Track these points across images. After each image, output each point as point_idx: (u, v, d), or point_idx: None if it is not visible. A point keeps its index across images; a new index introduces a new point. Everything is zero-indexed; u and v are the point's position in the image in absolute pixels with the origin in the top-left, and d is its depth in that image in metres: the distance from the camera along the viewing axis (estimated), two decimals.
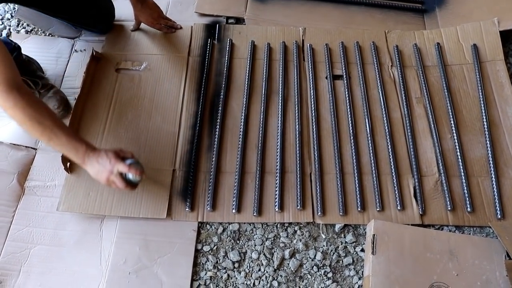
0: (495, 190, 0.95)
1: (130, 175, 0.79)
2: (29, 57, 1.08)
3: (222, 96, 1.07)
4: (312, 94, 1.09)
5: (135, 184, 0.81)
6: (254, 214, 0.92)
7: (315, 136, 1.03)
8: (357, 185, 0.96)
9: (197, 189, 0.96)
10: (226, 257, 0.90)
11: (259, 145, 1.01)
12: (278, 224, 0.93)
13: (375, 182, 0.96)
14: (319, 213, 0.92)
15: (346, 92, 1.10)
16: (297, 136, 1.02)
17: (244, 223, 0.93)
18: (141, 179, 0.80)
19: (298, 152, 1.00)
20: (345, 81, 1.11)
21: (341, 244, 0.91)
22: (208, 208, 0.93)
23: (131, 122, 1.03)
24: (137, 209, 0.91)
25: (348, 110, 1.08)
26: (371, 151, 1.01)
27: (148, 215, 0.91)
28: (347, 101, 1.09)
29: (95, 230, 0.92)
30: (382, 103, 1.08)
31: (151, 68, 1.10)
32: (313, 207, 0.94)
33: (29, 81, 1.01)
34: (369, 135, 1.04)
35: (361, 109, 1.09)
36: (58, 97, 1.05)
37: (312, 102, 1.08)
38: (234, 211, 0.93)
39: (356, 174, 0.98)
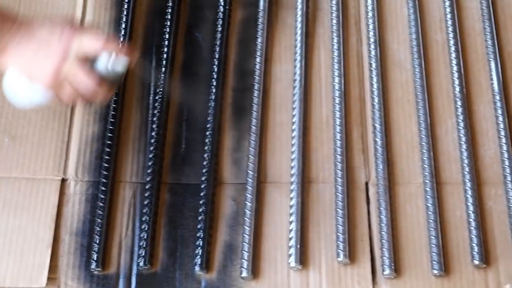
0: None
1: (103, 61, 0.60)
2: None
3: (171, 11, 0.79)
4: (371, 4, 0.81)
5: (115, 81, 0.63)
6: (243, 274, 0.68)
7: (377, 100, 0.75)
8: (471, 208, 0.69)
9: (116, 223, 0.70)
10: None
11: (253, 124, 0.75)
12: None
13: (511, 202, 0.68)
14: (387, 272, 0.67)
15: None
16: (338, 102, 0.76)
17: None
18: (125, 72, 0.64)
19: (338, 137, 0.74)
20: None
21: None
22: (141, 264, 0.67)
23: None
24: None
25: (451, 42, 0.77)
26: (507, 135, 0.72)
27: (5, 284, 0.65)
28: (450, 20, 0.78)
29: None
30: None
31: None
32: (373, 258, 0.70)
33: None
34: (498, 99, 0.74)
35: (481, 38, 0.77)
36: None
37: (371, 23, 0.79)
38: (197, 268, 0.67)
39: (469, 186, 0.70)
